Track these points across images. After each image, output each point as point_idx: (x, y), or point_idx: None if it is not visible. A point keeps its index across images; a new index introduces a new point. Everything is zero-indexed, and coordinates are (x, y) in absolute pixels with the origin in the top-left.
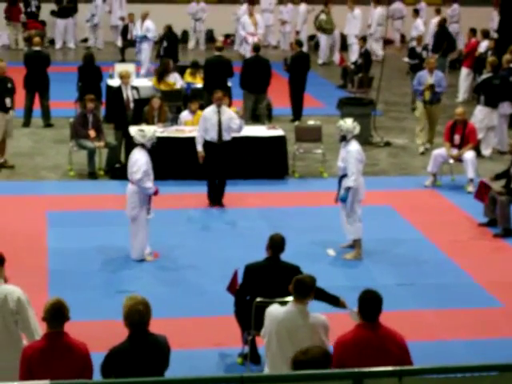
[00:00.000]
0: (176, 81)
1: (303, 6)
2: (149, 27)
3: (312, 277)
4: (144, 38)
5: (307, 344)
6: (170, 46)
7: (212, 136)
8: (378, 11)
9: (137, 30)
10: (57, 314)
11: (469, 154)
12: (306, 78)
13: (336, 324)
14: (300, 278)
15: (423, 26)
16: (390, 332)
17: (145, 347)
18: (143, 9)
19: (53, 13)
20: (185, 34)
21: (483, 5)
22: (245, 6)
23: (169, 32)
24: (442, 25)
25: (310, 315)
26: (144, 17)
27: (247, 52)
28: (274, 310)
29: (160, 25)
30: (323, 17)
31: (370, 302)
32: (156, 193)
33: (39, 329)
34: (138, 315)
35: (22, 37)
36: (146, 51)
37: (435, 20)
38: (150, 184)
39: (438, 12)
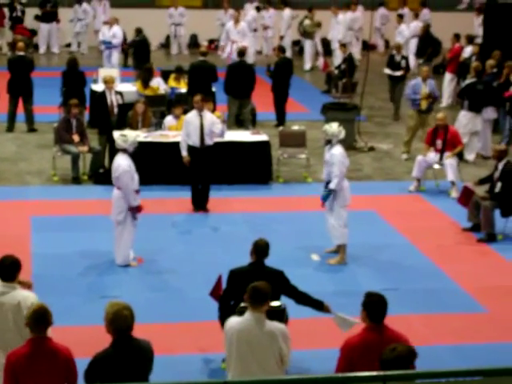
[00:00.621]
0: (159, 85)
1: (287, 11)
2: (116, 33)
3: (268, 284)
4: (109, 43)
5: (267, 352)
6: (137, 51)
7: (194, 140)
8: (348, 16)
9: (104, 36)
10: (40, 319)
11: (450, 159)
12: (290, 84)
13: (320, 328)
14: (255, 285)
15: (408, 31)
16: (397, 334)
17: (129, 352)
18: (126, 14)
19: (37, 17)
20: (168, 38)
21: (465, 10)
22: (230, 12)
23: (136, 37)
24: (426, 30)
25: (268, 323)
26: (112, 22)
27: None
28: (232, 321)
29: (144, 30)
30: (307, 22)
31: (376, 305)
32: (139, 210)
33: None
34: (123, 321)
35: (5, 42)
36: (115, 59)
37: (414, 24)
38: (136, 199)
39: (416, 16)
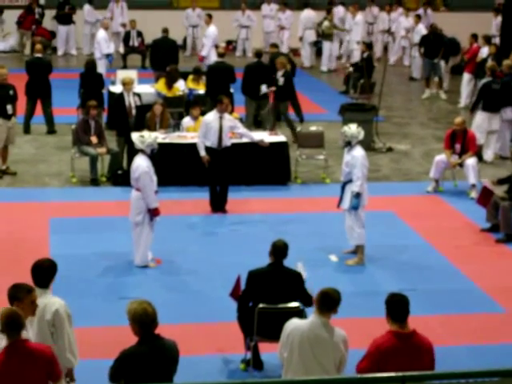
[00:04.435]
0: (181, 86)
1: (306, 12)
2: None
3: (337, 291)
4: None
5: (329, 357)
6: (154, 52)
7: (212, 141)
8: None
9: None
10: (12, 323)
11: (470, 160)
12: (293, 77)
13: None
14: (325, 291)
15: (426, 31)
16: (421, 337)
17: (156, 351)
18: (144, 15)
19: (55, 18)
20: (186, 40)
21: (483, 10)
22: (247, 13)
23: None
24: (433, 31)
25: (333, 329)
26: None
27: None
28: (295, 322)
29: (159, 32)
30: (326, 23)
31: (398, 304)
32: (157, 213)
33: (75, 348)
34: (145, 315)
35: (29, 44)
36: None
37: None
38: (155, 200)
39: (418, 18)
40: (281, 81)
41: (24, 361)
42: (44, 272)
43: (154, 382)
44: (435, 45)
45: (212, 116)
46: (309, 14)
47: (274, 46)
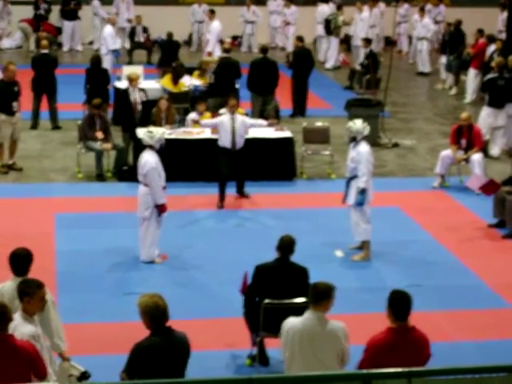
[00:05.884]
0: (186, 82)
1: (321, 7)
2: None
3: (328, 284)
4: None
5: (329, 351)
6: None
7: (226, 143)
8: (374, 12)
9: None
10: (1, 317)
11: (475, 155)
12: (310, 74)
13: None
14: (315, 284)
15: (433, 25)
16: (420, 333)
17: (170, 343)
18: (150, 11)
19: (61, 15)
20: (191, 36)
21: (489, 5)
22: (253, 9)
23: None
24: (457, 26)
25: (329, 322)
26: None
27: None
28: (292, 321)
29: (165, 27)
30: (341, 18)
31: (401, 302)
32: (164, 209)
33: (62, 333)
34: (156, 308)
35: (32, 39)
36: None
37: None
38: (162, 196)
39: (422, 10)
40: (212, 78)
41: (6, 354)
42: (21, 260)
43: (167, 374)
44: (455, 41)
45: (225, 117)
46: (323, 9)
47: (300, 39)
